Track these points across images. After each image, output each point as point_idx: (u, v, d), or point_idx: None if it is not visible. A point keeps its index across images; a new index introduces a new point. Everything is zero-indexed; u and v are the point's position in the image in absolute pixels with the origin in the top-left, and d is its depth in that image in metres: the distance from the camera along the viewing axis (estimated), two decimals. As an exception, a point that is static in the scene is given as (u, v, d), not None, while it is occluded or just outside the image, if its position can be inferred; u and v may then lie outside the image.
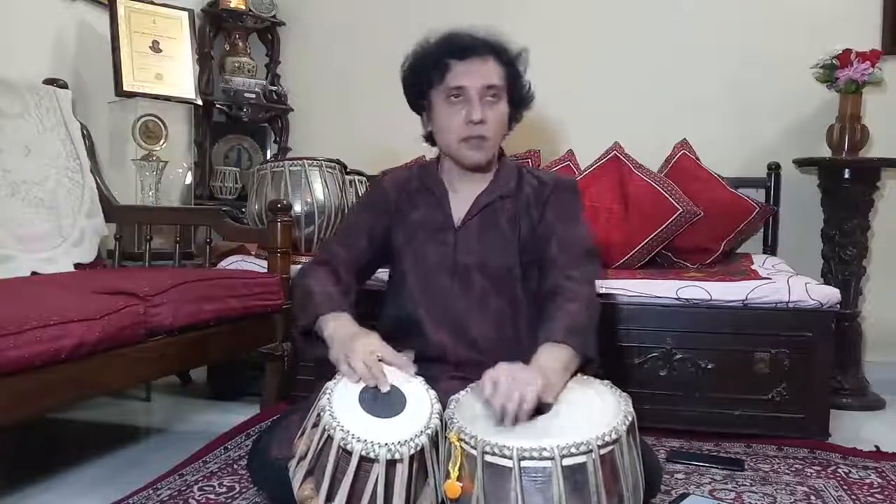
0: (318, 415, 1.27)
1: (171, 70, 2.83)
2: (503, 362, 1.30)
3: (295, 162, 2.53)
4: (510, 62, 1.62)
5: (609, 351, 1.47)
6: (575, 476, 1.13)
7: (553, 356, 1.36)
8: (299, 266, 2.33)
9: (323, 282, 1.59)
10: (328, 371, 1.41)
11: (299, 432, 1.33)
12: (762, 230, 2.92)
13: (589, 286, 1.54)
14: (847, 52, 2.62)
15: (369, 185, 2.67)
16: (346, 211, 2.56)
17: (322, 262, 1.67)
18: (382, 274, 1.80)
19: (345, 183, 2.60)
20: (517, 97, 1.65)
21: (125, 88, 2.67)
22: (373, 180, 2.65)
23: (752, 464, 1.90)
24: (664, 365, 2.16)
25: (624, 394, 1.29)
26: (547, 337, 1.40)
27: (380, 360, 1.36)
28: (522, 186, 1.66)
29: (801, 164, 2.80)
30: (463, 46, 1.57)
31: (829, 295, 2.09)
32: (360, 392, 1.31)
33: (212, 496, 1.62)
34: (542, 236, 1.61)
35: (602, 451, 1.14)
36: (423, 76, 1.61)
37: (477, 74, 1.56)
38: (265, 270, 2.22)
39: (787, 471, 1.85)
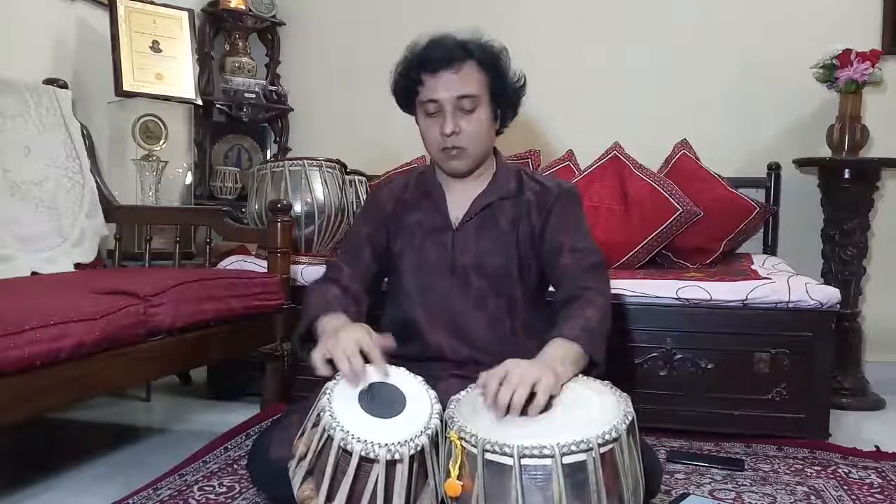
0: (318, 415, 1.27)
1: (171, 70, 2.83)
2: (509, 360, 1.29)
3: (295, 162, 2.53)
4: (491, 64, 1.58)
5: (609, 351, 1.47)
6: (575, 474, 1.13)
7: (562, 349, 1.37)
8: (302, 267, 2.37)
9: (324, 292, 1.61)
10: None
11: (299, 432, 1.32)
12: (762, 230, 2.92)
13: (604, 297, 1.55)
14: (847, 52, 2.62)
15: (366, 197, 2.66)
16: (347, 211, 2.56)
17: (329, 278, 1.68)
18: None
19: (345, 183, 2.60)
20: (502, 97, 1.62)
21: (125, 88, 2.67)
22: (369, 192, 2.65)
23: (752, 464, 1.90)
24: (664, 365, 2.16)
25: (624, 394, 1.29)
26: (558, 333, 1.40)
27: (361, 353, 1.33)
28: (523, 189, 1.66)
29: (801, 164, 2.80)
30: (435, 58, 1.54)
31: (829, 295, 2.08)
32: (360, 392, 1.31)
33: (212, 496, 1.62)
34: (549, 245, 1.61)
35: (602, 450, 1.14)
36: (403, 89, 1.61)
37: (449, 86, 1.53)
38: (265, 270, 2.22)
39: (787, 471, 1.85)
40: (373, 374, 1.33)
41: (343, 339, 1.34)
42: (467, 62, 1.55)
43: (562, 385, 1.30)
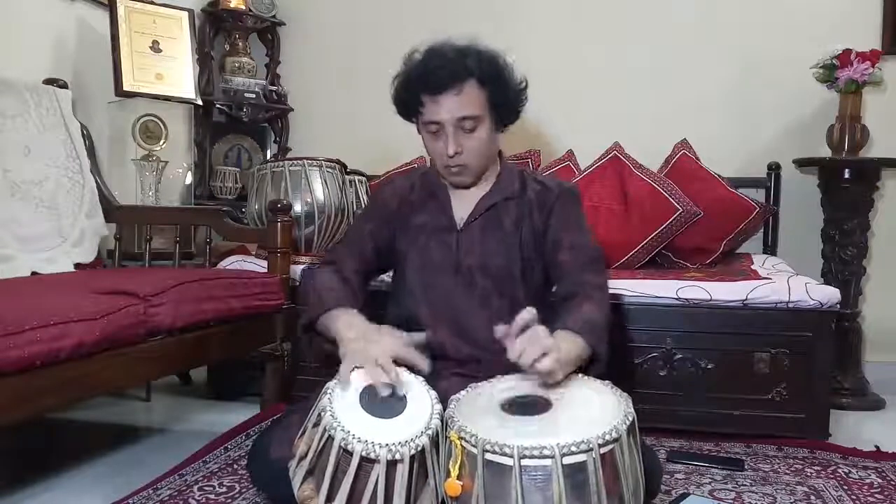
0: (319, 415, 1.27)
1: (171, 70, 2.83)
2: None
3: (295, 162, 2.53)
4: (492, 79, 1.56)
5: (610, 351, 1.47)
6: (575, 475, 1.13)
7: (565, 342, 1.37)
8: (302, 267, 2.37)
9: (329, 280, 1.61)
10: (329, 371, 1.41)
11: (299, 432, 1.33)
12: (762, 230, 2.92)
13: (602, 291, 1.56)
14: (847, 52, 2.62)
15: (369, 195, 2.66)
16: (347, 211, 2.56)
17: (329, 264, 1.69)
18: (386, 275, 1.81)
19: (345, 183, 2.60)
20: (504, 107, 1.60)
21: (125, 88, 2.67)
22: (371, 194, 2.65)
23: (752, 464, 1.90)
24: (664, 365, 2.16)
25: (624, 394, 1.29)
26: (562, 326, 1.41)
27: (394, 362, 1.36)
28: (526, 189, 1.67)
29: (801, 164, 2.80)
30: (436, 80, 1.52)
31: (829, 295, 2.08)
32: (361, 392, 1.31)
33: (212, 496, 1.62)
34: (550, 243, 1.63)
35: (602, 450, 1.14)
36: (404, 106, 1.61)
37: (451, 107, 1.52)
38: (265, 270, 2.22)
39: (787, 471, 1.85)
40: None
41: (374, 354, 1.35)
42: (468, 81, 1.53)
43: (567, 372, 1.31)
